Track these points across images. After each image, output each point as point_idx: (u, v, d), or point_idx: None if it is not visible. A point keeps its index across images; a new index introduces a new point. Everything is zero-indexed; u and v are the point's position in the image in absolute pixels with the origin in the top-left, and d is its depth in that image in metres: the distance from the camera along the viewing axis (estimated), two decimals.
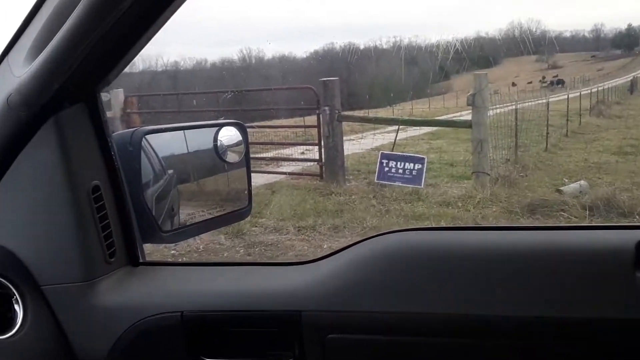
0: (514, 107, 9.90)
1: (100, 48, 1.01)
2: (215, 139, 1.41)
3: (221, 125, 1.43)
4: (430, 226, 1.17)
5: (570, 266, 1.04)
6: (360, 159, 10.63)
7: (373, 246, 1.17)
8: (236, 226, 5.92)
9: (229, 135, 1.44)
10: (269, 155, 10.90)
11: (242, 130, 1.48)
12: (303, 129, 11.66)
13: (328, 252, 1.27)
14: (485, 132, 7.43)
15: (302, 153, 10.98)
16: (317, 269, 1.19)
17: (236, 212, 1.50)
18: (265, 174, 9.40)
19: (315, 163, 9.11)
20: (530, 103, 11.16)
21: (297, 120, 17.55)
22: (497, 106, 9.28)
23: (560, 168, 9.18)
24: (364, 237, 1.25)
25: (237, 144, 1.46)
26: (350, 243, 1.27)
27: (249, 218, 6.39)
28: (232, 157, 1.45)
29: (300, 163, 9.85)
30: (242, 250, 5.41)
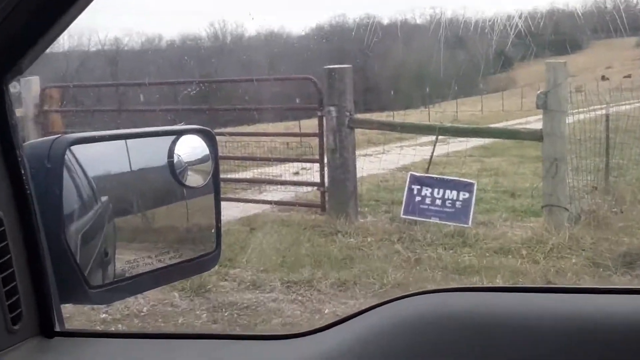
0: (604, 111, 9.98)
1: (9, 23, 1.02)
2: (171, 153, 1.43)
3: (180, 133, 1.44)
4: (476, 286, 1.20)
5: None
6: (380, 182, 10.67)
7: (395, 312, 1.19)
8: (197, 279, 5.92)
9: (190, 147, 1.46)
10: (248, 176, 10.95)
11: (210, 140, 1.50)
12: (298, 139, 11.74)
13: (331, 321, 1.29)
14: (563, 147, 7.47)
15: (296, 173, 11.04)
16: (316, 344, 1.19)
17: (198, 259, 1.51)
18: (242, 203, 9.44)
19: (315, 188, 9.15)
20: (628, 106, 11.24)
21: (290, 126, 17.64)
22: (581, 110, 9.35)
23: None
24: (383, 300, 1.27)
25: (202, 161, 1.47)
26: (363, 308, 1.29)
27: (216, 267, 6.43)
28: (194, 179, 1.46)
29: (293, 188, 9.89)
30: (205, 316, 5.39)
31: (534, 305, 1.16)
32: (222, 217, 1.53)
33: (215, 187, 1.52)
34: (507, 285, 1.30)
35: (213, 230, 1.54)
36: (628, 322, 1.10)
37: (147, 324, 5.19)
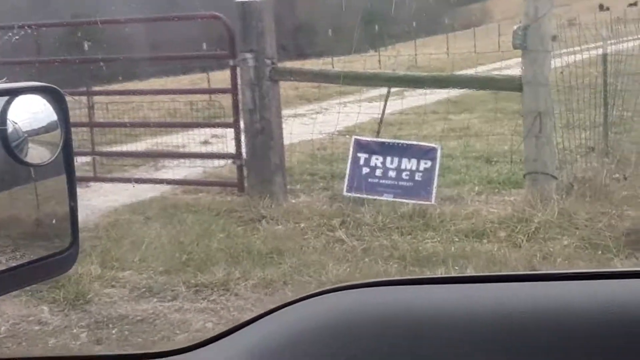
0: (602, 50, 10.20)
1: None
2: (3, 120, 1.41)
3: (14, 93, 1.42)
4: (401, 278, 1.27)
5: None
6: (317, 151, 10.70)
7: (302, 314, 1.27)
8: (73, 287, 5.86)
9: (30, 111, 1.44)
10: (141, 148, 10.86)
11: (58, 101, 1.48)
12: (207, 97, 11.67)
13: (228, 327, 1.35)
14: (547, 97, 7.61)
15: (205, 143, 10.98)
16: (220, 351, 1.26)
17: (49, 259, 1.50)
18: (134, 184, 9.35)
19: (230, 161, 9.13)
20: (634, 42, 11.50)
21: (197, 80, 17.46)
22: (571, 50, 9.53)
23: None
24: (287, 301, 1.33)
25: (48, 129, 1.46)
26: (274, 307, 1.37)
27: (98, 271, 6.40)
28: (37, 153, 1.45)
29: (201, 161, 9.85)
30: (84, 335, 5.34)
31: (465, 297, 1.25)
32: (77, 203, 1.52)
33: (67, 164, 1.50)
34: (441, 275, 1.39)
35: (67, 222, 1.52)
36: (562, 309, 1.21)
37: (6, 348, 5.11)
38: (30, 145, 1.44)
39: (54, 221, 1.57)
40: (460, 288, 1.29)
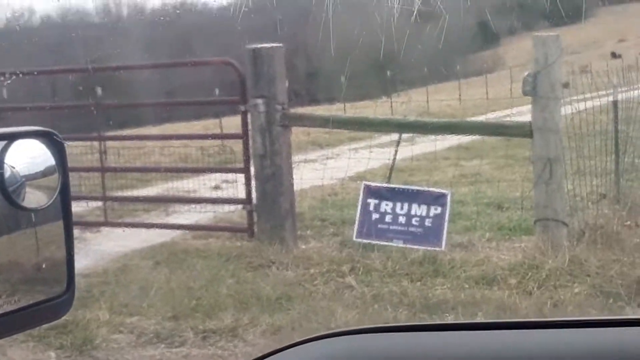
0: (612, 97, 10.20)
1: None
2: (1, 164, 1.41)
3: (12, 138, 1.43)
4: (400, 324, 1.28)
5: None
6: (328, 196, 10.69)
7: (305, 356, 1.30)
8: (81, 332, 5.84)
9: (28, 156, 1.44)
10: (153, 193, 10.87)
11: (56, 145, 1.48)
12: (219, 142, 11.71)
13: None
14: (557, 144, 7.60)
15: (217, 188, 10.99)
16: None
17: (46, 303, 1.50)
18: (145, 229, 9.35)
19: (241, 207, 9.13)
20: None
21: (210, 126, 17.56)
22: (582, 96, 9.54)
23: None
24: (282, 345, 1.35)
25: (45, 174, 1.46)
26: (270, 351, 1.39)
27: (106, 316, 6.38)
28: (34, 198, 1.45)
29: (212, 207, 9.85)
30: None
31: (461, 344, 1.25)
32: (73, 248, 1.52)
33: (64, 208, 1.50)
34: (451, 322, 1.40)
35: (62, 267, 1.52)
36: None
37: None
38: (27, 189, 1.44)
39: (51, 266, 1.57)
40: (455, 335, 1.29)
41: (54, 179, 1.48)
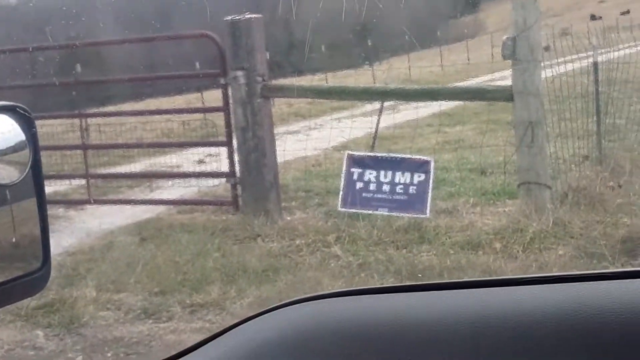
0: (592, 59, 10.22)
1: None
2: None
3: None
4: (374, 287, 1.29)
5: None
6: (312, 167, 10.69)
7: (269, 325, 1.31)
8: (69, 310, 5.84)
9: None
10: (136, 169, 10.85)
11: (26, 121, 1.47)
12: (201, 116, 11.68)
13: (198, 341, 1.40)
14: (538, 107, 7.61)
15: (201, 162, 10.97)
16: None
17: (22, 279, 1.49)
18: (129, 205, 9.35)
19: (224, 180, 9.13)
20: (626, 50, 11.53)
21: (192, 100, 17.50)
22: (563, 59, 9.55)
23: None
24: (248, 315, 1.37)
25: (15, 149, 1.45)
26: (235, 322, 1.40)
27: (92, 294, 6.38)
28: (5, 173, 1.44)
29: (196, 181, 9.85)
30: (80, 359, 5.33)
31: (428, 304, 1.27)
32: (48, 223, 1.51)
33: (36, 184, 1.49)
34: (416, 283, 1.42)
35: (37, 242, 1.51)
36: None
37: None
38: None
39: (28, 243, 1.56)
40: (422, 296, 1.31)
41: (25, 154, 1.47)
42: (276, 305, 1.35)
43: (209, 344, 1.35)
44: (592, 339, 1.20)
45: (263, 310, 1.34)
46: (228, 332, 1.35)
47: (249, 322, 1.34)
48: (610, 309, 1.21)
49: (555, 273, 1.40)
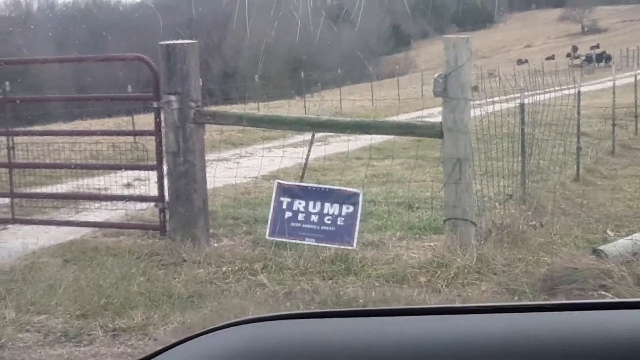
0: (520, 101, 10.43)
1: None
2: None
3: None
4: (314, 310, 1.31)
5: None
6: (241, 195, 10.68)
7: (209, 345, 1.32)
8: None
9: None
10: (62, 190, 10.66)
11: None
12: (131, 139, 11.55)
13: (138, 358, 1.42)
14: (467, 144, 7.71)
15: (128, 185, 10.85)
16: None
17: None
18: (54, 226, 9.18)
19: (152, 204, 9.03)
20: (550, 94, 11.81)
21: (122, 123, 17.34)
22: (490, 101, 9.73)
23: (601, 211, 9.73)
24: (196, 332, 1.38)
25: None
26: (173, 342, 1.42)
27: (12, 315, 6.22)
28: None
29: (123, 204, 9.72)
30: None
31: (369, 330, 1.27)
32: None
33: None
34: (349, 309, 1.44)
35: None
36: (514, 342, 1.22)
37: None
38: None
39: None
40: (363, 321, 1.31)
41: None
42: (213, 327, 1.34)
43: None
44: None
45: (200, 331, 1.34)
46: (164, 353, 1.35)
47: (186, 343, 1.33)
48: (546, 340, 1.23)
49: (490, 303, 1.42)
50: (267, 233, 8.04)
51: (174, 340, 1.44)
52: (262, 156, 10.59)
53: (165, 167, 8.54)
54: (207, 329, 1.35)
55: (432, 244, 8.07)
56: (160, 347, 1.40)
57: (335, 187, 8.39)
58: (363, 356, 1.22)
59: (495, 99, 9.87)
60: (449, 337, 1.25)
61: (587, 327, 1.28)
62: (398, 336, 1.25)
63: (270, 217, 8.10)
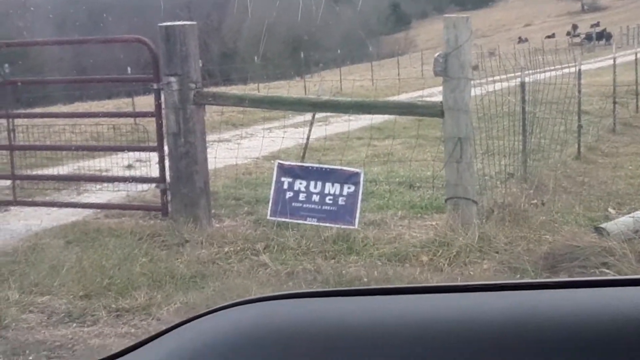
0: (520, 79, 10.42)
1: None
2: None
3: None
4: (317, 289, 1.32)
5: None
6: (242, 175, 10.67)
7: (211, 326, 1.32)
8: None
9: None
10: (63, 172, 10.66)
11: None
12: (131, 121, 11.54)
13: (138, 341, 1.42)
14: (468, 123, 7.70)
15: (129, 167, 10.84)
16: None
17: None
18: (56, 208, 9.18)
19: (154, 185, 9.03)
20: (550, 73, 11.79)
21: (122, 105, 17.30)
22: (491, 79, 9.71)
23: (602, 189, 9.73)
24: (194, 315, 1.38)
25: None
26: (177, 322, 1.42)
27: (15, 296, 6.23)
28: None
29: (125, 185, 9.72)
30: None
31: (373, 309, 1.28)
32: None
33: None
34: (352, 288, 1.44)
35: None
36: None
37: None
38: None
39: None
40: (367, 300, 1.32)
41: None
42: (217, 307, 1.36)
43: (148, 344, 1.35)
44: (536, 346, 1.21)
45: (204, 311, 1.35)
46: (168, 333, 1.35)
47: (190, 323, 1.34)
48: (550, 317, 1.24)
49: (493, 281, 1.42)
50: (269, 213, 8.05)
51: (177, 321, 1.45)
52: (263, 137, 10.58)
53: (166, 149, 8.54)
54: (210, 309, 1.37)
55: (433, 223, 8.08)
56: (164, 328, 1.41)
57: (336, 167, 8.40)
58: (366, 335, 1.24)
59: (496, 77, 9.86)
60: (452, 315, 1.27)
61: (590, 304, 1.29)
62: (401, 315, 1.27)
63: (271, 197, 8.11)
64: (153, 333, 1.41)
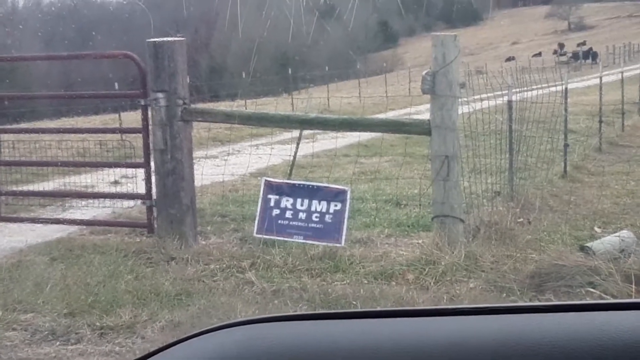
0: (507, 97, 10.44)
1: None
2: None
3: None
4: (304, 313, 1.32)
5: None
6: (228, 192, 10.64)
7: (199, 349, 1.29)
8: None
9: None
10: (49, 188, 10.61)
11: None
12: (118, 137, 11.51)
13: None
14: (455, 142, 7.70)
15: (116, 183, 10.81)
16: None
17: None
18: (40, 224, 9.12)
19: (140, 202, 9.00)
20: (537, 91, 11.84)
21: (109, 120, 17.30)
22: (478, 97, 9.74)
23: (588, 207, 9.75)
24: (183, 337, 1.36)
25: None
26: (161, 346, 1.38)
27: None
28: None
29: (110, 202, 9.68)
30: None
31: (361, 332, 1.27)
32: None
33: None
34: (340, 311, 1.44)
35: None
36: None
37: None
38: None
39: None
40: (354, 323, 1.31)
41: None
42: (203, 329, 1.33)
43: None
44: None
45: (190, 334, 1.32)
46: (155, 355, 1.33)
47: (175, 346, 1.32)
48: (540, 341, 1.23)
49: (483, 305, 1.42)
50: (255, 230, 8.03)
51: (162, 341, 1.43)
52: (250, 153, 10.56)
53: (152, 165, 8.50)
54: (198, 331, 1.34)
55: (420, 241, 8.07)
56: (152, 349, 1.39)
57: (323, 185, 8.38)
58: (355, 358, 1.22)
59: (483, 96, 9.89)
60: (442, 339, 1.26)
61: (580, 329, 1.29)
62: (390, 338, 1.25)
63: (258, 214, 8.09)
64: (139, 356, 1.40)
